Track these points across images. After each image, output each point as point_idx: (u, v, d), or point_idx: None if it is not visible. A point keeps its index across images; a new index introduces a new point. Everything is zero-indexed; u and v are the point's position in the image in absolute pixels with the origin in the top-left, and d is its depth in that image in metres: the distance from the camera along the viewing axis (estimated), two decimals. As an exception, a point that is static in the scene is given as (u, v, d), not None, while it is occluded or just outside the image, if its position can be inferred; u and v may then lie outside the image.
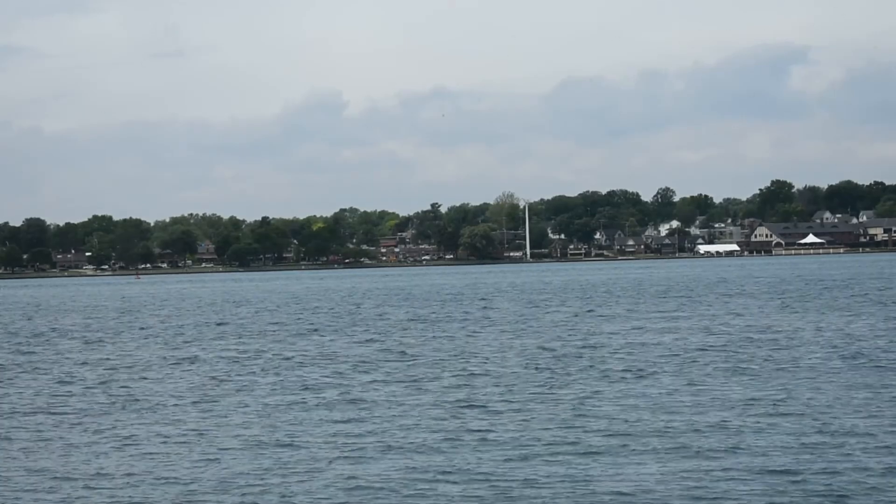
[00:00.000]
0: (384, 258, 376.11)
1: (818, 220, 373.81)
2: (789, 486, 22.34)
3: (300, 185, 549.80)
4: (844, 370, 39.66)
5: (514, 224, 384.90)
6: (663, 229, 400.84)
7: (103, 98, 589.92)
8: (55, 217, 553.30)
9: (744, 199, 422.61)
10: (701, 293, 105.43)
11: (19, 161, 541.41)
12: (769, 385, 36.27)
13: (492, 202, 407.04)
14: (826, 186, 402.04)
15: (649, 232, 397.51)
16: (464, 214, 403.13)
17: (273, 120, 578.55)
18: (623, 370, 41.59)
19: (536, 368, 43.15)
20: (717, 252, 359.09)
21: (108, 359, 53.71)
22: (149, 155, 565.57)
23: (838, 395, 33.48)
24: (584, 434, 28.25)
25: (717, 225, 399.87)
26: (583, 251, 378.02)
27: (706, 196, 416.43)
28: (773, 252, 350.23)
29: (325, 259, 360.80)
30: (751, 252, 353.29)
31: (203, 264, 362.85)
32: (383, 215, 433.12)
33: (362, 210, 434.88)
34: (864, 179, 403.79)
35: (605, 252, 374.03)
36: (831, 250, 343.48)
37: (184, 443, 28.95)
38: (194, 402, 36.46)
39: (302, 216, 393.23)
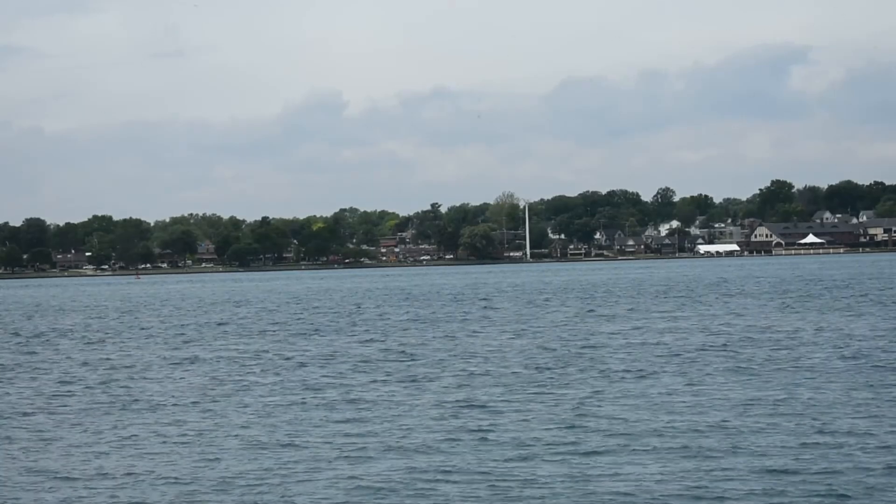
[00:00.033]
0: (384, 258, 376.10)
1: (818, 220, 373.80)
2: (789, 486, 22.34)
3: (300, 185, 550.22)
4: (844, 370, 39.67)
5: (514, 224, 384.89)
6: (663, 229, 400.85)
7: (103, 98, 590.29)
8: (55, 217, 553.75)
9: (744, 199, 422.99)
10: (701, 293, 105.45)
11: (19, 161, 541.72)
12: (769, 385, 36.27)
13: (492, 202, 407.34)
14: (826, 186, 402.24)
15: (649, 232, 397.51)
16: (464, 214, 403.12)
17: (273, 120, 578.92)
18: (623, 370, 41.60)
19: (536, 368, 43.16)
20: (717, 252, 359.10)
21: (108, 359, 53.71)
22: (149, 155, 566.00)
23: (838, 395, 33.49)
24: (584, 434, 28.25)
25: (717, 225, 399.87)
26: (583, 251, 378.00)
27: (706, 196, 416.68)
28: (773, 252, 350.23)
29: (325, 259, 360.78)
30: (751, 252, 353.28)
31: (203, 264, 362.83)
32: (383, 215, 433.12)
33: (362, 210, 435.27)
34: (864, 179, 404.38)
35: (605, 252, 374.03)
36: (831, 250, 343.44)
37: (184, 443, 28.95)
38: (194, 402, 36.47)
39: (302, 216, 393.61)
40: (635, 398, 34.14)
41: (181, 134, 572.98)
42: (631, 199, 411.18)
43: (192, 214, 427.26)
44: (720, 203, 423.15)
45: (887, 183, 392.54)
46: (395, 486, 23.33)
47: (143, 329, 76.83)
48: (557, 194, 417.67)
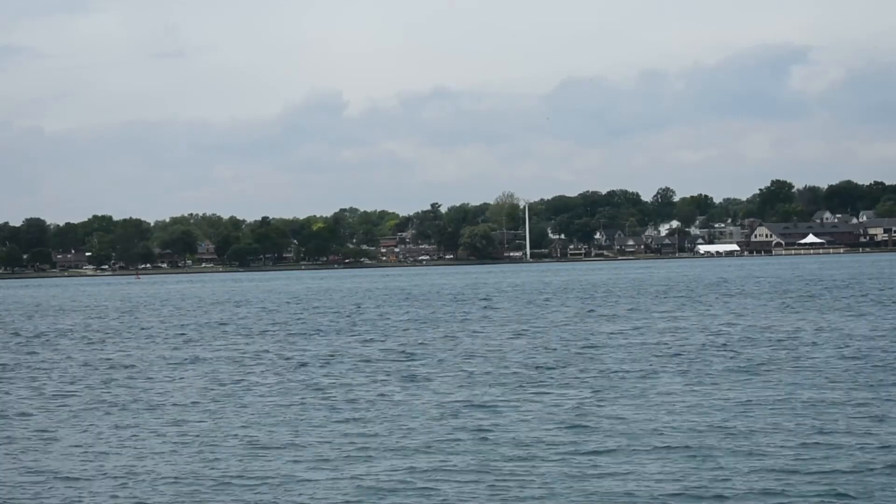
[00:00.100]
0: (384, 258, 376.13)
1: (818, 220, 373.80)
2: (789, 486, 22.34)
3: (300, 185, 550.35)
4: (844, 370, 39.66)
5: (514, 224, 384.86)
6: (663, 229, 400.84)
7: (103, 98, 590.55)
8: (55, 217, 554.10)
9: (744, 199, 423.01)
10: (701, 293, 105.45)
11: (19, 161, 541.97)
12: (769, 385, 36.27)
13: (492, 202, 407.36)
14: (826, 186, 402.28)
15: (649, 232, 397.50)
16: (464, 214, 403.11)
17: (273, 120, 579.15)
18: (623, 370, 41.60)
19: (536, 368, 43.16)
20: (717, 252, 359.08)
21: (108, 359, 53.71)
22: (149, 155, 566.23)
23: (838, 395, 33.48)
24: (584, 434, 28.25)
25: (717, 225, 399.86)
26: (583, 251, 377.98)
27: (706, 196, 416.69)
28: (773, 252, 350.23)
29: (325, 259, 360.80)
30: (751, 252, 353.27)
31: (203, 264, 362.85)
32: (383, 215, 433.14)
33: (362, 210, 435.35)
34: (864, 179, 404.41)
35: (605, 252, 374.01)
36: (831, 250, 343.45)
37: (184, 443, 28.95)
38: (194, 402, 36.47)
39: (302, 216, 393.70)
40: (635, 398, 34.14)
41: (181, 134, 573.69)
42: (631, 199, 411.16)
43: (192, 214, 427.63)
44: (720, 203, 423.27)
45: (887, 183, 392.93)
46: (396, 486, 23.33)
47: (143, 329, 76.83)
48: (557, 194, 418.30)
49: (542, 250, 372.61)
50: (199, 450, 27.85)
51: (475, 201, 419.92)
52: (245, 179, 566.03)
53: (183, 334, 69.75)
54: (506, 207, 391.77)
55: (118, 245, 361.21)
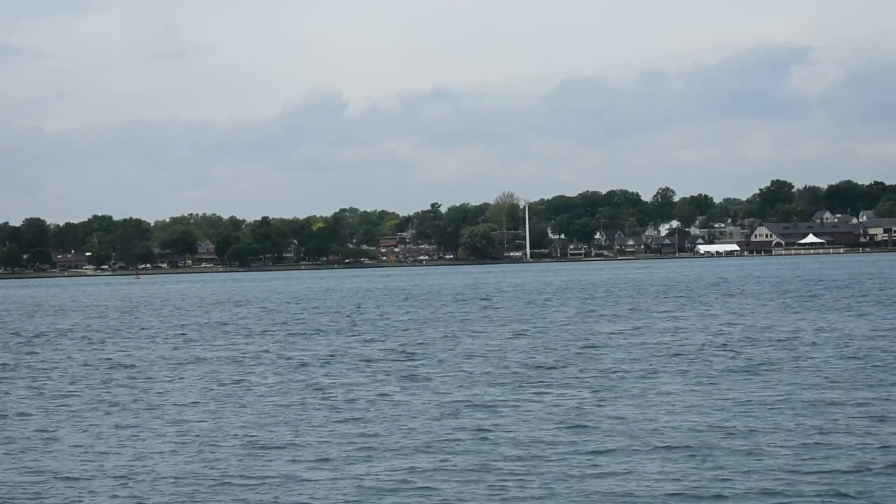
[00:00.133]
0: (384, 258, 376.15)
1: (818, 220, 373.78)
2: (789, 486, 22.34)
3: (300, 185, 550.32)
4: (845, 370, 39.66)
5: (514, 224, 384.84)
6: (663, 229, 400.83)
7: (103, 98, 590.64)
8: (55, 217, 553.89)
9: (744, 199, 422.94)
10: (701, 293, 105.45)
11: (19, 161, 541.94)
12: (769, 385, 36.27)
13: (492, 202, 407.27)
14: (826, 186, 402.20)
15: (649, 232, 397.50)
16: (464, 214, 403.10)
17: (273, 120, 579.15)
18: (623, 370, 41.61)
19: (537, 368, 43.16)
20: (717, 252, 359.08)
21: (108, 359, 53.71)
22: (149, 155, 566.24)
23: (838, 395, 33.49)
24: (583, 434, 28.26)
25: (717, 225, 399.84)
26: (583, 251, 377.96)
27: (706, 196, 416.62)
28: (773, 252, 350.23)
29: (325, 259, 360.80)
30: (751, 252, 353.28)
31: (203, 264, 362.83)
32: (383, 215, 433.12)
33: (362, 210, 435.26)
34: (864, 179, 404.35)
35: (605, 252, 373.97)
36: (831, 250, 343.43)
37: (184, 443, 28.96)
38: (195, 402, 36.47)
39: (302, 216, 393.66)
40: (635, 398, 34.15)
41: (181, 134, 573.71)
42: (631, 199, 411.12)
43: (192, 214, 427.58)
44: (720, 203, 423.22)
45: (887, 183, 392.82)
46: (396, 485, 23.34)
47: (143, 329, 76.84)
48: (557, 194, 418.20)
49: (542, 250, 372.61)
50: (199, 450, 27.86)
51: (475, 201, 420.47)
52: (245, 179, 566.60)
53: (183, 334, 69.76)
54: (506, 207, 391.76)
55: (118, 245, 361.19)
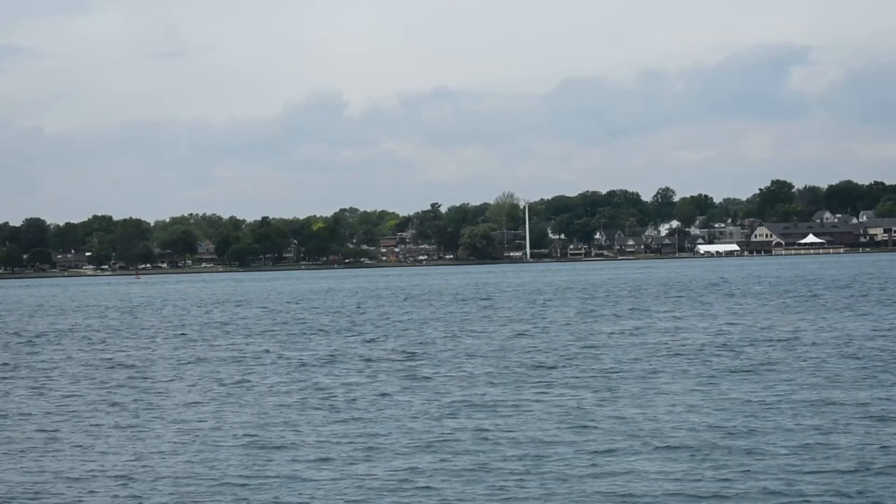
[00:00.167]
0: (384, 258, 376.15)
1: (818, 220, 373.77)
2: (789, 486, 22.34)
3: (300, 185, 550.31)
4: (845, 370, 39.66)
5: (514, 224, 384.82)
6: (663, 229, 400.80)
7: (103, 98, 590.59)
8: (55, 217, 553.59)
9: (744, 199, 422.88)
10: (701, 293, 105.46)
11: (19, 161, 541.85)
12: (769, 385, 36.27)
13: (492, 202, 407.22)
14: (826, 186, 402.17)
15: (649, 232, 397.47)
16: (464, 214, 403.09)
17: (273, 120, 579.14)
18: (623, 370, 41.61)
19: (537, 368, 43.16)
20: (717, 252, 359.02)
21: (109, 359, 53.72)
22: (149, 155, 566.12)
23: (838, 395, 33.49)
24: (583, 434, 28.26)
25: (717, 225, 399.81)
26: (583, 251, 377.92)
27: (706, 196, 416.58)
28: (773, 252, 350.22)
29: (325, 259, 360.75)
30: (751, 252, 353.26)
31: (203, 264, 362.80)
32: (383, 215, 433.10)
33: (362, 210, 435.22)
34: (864, 179, 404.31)
35: (605, 252, 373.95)
36: (831, 250, 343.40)
37: (184, 443, 28.96)
38: (195, 402, 36.47)
39: (302, 216, 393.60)
40: (635, 398, 34.15)
41: (181, 134, 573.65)
42: (631, 199, 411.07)
43: (192, 214, 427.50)
44: (720, 203, 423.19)
45: (887, 183, 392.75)
46: (396, 485, 23.34)
47: (143, 329, 76.84)
48: (557, 194, 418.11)
49: (542, 250, 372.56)
50: (199, 450, 27.86)
51: (475, 201, 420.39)
52: (245, 179, 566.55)
53: (184, 334, 69.77)
54: (506, 207, 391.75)
55: (118, 245, 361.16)
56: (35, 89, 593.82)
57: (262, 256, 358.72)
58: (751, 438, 26.97)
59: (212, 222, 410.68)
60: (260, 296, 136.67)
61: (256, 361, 49.75)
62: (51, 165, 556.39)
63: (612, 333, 59.24)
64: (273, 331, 69.99)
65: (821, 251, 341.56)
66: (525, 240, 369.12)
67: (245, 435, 29.69)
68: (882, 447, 25.57)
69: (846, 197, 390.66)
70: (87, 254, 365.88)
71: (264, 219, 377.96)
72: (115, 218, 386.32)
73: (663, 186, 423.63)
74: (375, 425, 30.57)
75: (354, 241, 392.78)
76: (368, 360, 48.67)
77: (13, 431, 31.85)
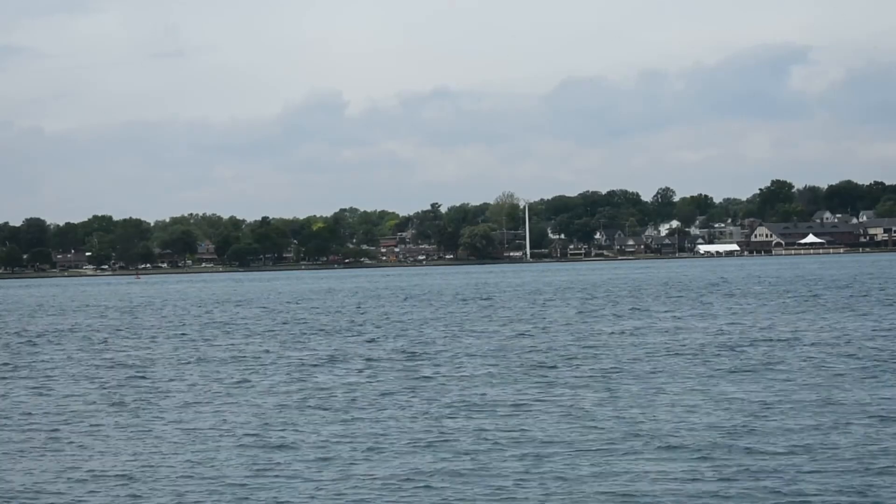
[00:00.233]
0: (384, 258, 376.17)
1: (818, 220, 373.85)
2: (789, 486, 22.34)
3: (300, 185, 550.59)
4: (846, 370, 39.67)
5: (514, 224, 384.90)
6: (663, 229, 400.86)
7: (103, 98, 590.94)
8: (55, 217, 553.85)
9: (744, 199, 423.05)
10: (701, 293, 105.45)
11: (19, 161, 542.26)
12: (769, 385, 36.27)
13: (492, 202, 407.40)
14: (826, 186, 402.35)
15: (649, 232, 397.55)
16: (464, 214, 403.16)
17: (273, 120, 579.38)
18: (624, 370, 41.60)
19: (537, 368, 43.16)
20: (717, 252, 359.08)
21: (109, 359, 53.71)
22: (149, 155, 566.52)
23: (839, 395, 33.49)
24: (583, 434, 28.25)
25: (717, 225, 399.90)
26: (583, 251, 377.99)
27: (706, 196, 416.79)
28: (773, 252, 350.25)
29: (325, 259, 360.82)
30: (751, 252, 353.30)
31: (203, 264, 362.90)
32: (383, 215, 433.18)
33: (362, 210, 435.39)
34: (864, 179, 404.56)
35: (605, 252, 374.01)
36: (831, 250, 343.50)
37: (183, 443, 28.96)
38: (195, 402, 36.47)
39: (302, 216, 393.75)
40: (636, 398, 34.15)
41: (181, 134, 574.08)
42: (631, 199, 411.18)
43: (192, 214, 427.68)
44: (720, 203, 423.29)
45: (887, 183, 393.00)
46: (396, 485, 23.34)
47: (144, 329, 76.83)
48: (557, 194, 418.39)
49: (542, 250, 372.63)
50: (199, 450, 27.86)
51: (475, 201, 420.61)
52: (245, 179, 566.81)
53: (184, 334, 69.76)
54: (506, 207, 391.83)
55: (118, 245, 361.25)
56: (35, 89, 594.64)
57: (262, 256, 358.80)
58: (751, 438, 26.97)
59: (212, 222, 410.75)
60: (260, 296, 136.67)
61: (257, 361, 49.75)
62: (51, 165, 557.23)
63: (612, 333, 59.24)
64: (273, 331, 69.99)
65: (821, 251, 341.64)
66: (525, 240, 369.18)
67: (245, 435, 29.69)
68: (882, 447, 25.56)
69: (846, 197, 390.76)
70: (87, 254, 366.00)
71: (264, 219, 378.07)
72: (115, 218, 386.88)
73: (663, 186, 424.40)
74: (375, 425, 30.57)
75: (354, 241, 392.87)
76: (369, 360, 48.67)
77: (13, 431, 31.84)
